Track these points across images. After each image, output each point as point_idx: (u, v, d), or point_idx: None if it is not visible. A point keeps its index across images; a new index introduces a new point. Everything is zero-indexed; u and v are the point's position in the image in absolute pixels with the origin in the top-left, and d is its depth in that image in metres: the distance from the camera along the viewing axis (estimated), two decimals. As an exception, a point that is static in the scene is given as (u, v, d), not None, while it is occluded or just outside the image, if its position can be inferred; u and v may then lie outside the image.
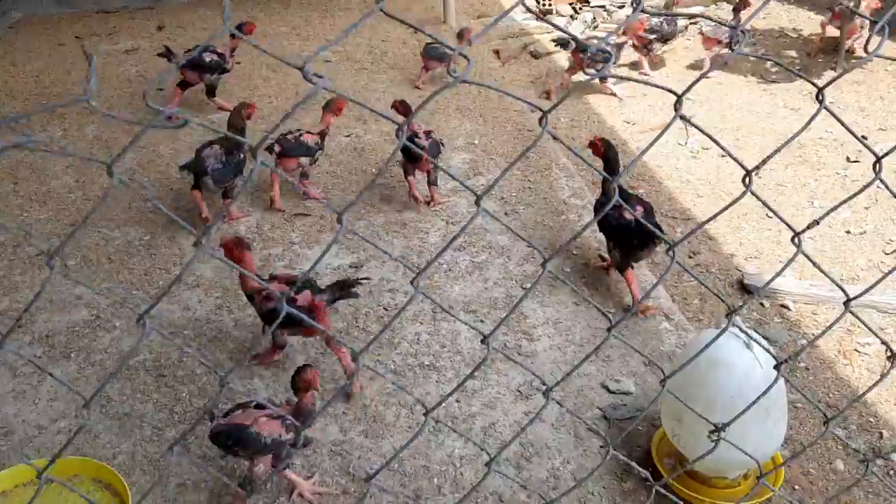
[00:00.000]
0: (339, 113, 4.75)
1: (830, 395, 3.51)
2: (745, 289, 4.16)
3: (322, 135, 4.68)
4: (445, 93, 6.35)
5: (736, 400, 2.53)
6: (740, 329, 2.59)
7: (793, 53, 7.38)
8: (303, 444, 2.98)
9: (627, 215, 3.68)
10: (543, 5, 8.78)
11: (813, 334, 3.87)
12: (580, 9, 8.87)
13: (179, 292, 4.03)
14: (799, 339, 3.84)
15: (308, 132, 4.66)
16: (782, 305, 4.05)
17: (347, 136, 5.65)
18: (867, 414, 3.39)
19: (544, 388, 1.55)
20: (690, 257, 4.48)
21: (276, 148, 4.53)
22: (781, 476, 2.90)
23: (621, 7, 8.74)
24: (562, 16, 8.71)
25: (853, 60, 6.96)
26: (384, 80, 6.71)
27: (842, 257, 4.41)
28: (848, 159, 5.34)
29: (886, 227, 4.62)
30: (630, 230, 3.70)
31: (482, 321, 3.75)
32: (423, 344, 3.62)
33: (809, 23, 8.20)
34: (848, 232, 4.60)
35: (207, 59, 5.80)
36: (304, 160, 4.63)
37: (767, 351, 2.03)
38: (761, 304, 4.07)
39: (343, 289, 3.29)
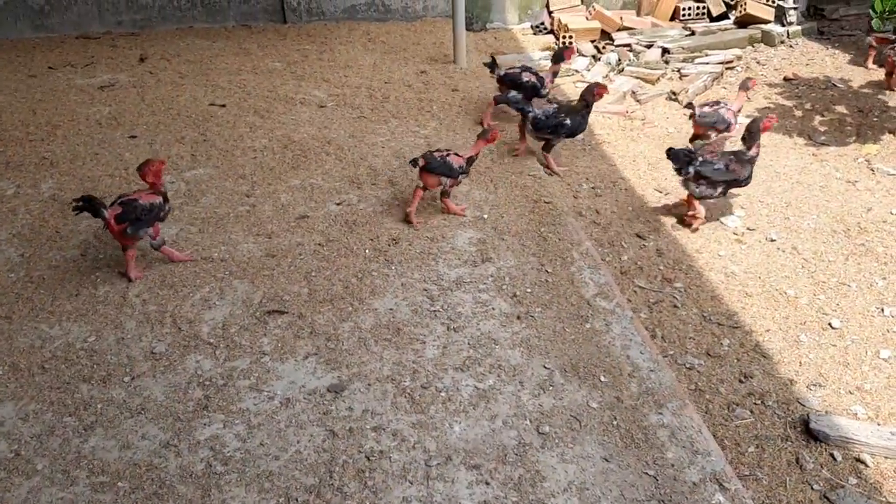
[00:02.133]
0: (492, 141, 4.80)
1: None
2: (810, 433, 3.38)
3: (470, 160, 4.74)
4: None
5: None
6: None
7: (843, 109, 6.61)
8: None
9: None
10: (564, 43, 8.03)
11: (900, 504, 3.09)
12: (604, 48, 8.12)
13: (120, 421, 3.29)
14: (883, 511, 3.07)
15: (457, 154, 4.68)
16: (858, 459, 3.27)
17: (338, 203, 4.90)
18: None
19: None
20: (741, 381, 3.71)
21: (421, 162, 4.55)
22: None
23: (649, 47, 7.98)
24: (584, 55, 7.96)
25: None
26: (384, 131, 5.97)
27: (926, 388, 3.63)
28: (920, 251, 4.57)
29: (976, 347, 3.84)
30: None
31: (487, 482, 2.98)
32: (413, 517, 2.85)
33: (858, 71, 7.44)
34: (929, 353, 3.82)
35: (525, 79, 5.99)
36: (446, 180, 4.64)
37: None
38: (832, 455, 3.30)
39: None
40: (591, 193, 5.38)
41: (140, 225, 4.07)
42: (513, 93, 5.95)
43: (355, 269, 4.22)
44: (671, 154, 4.73)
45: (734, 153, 4.75)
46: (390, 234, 4.55)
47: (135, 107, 6.42)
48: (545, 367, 3.55)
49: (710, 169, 4.66)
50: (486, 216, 4.79)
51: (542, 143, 5.47)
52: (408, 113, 6.28)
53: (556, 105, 5.40)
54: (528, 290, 4.10)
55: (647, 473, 3.01)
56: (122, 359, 3.64)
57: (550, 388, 3.43)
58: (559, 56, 6.21)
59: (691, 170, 4.70)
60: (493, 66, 6.13)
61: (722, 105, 5.66)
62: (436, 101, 6.58)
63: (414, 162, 4.56)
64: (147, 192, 4.14)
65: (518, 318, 3.89)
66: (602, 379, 3.49)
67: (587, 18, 8.71)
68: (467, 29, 8.70)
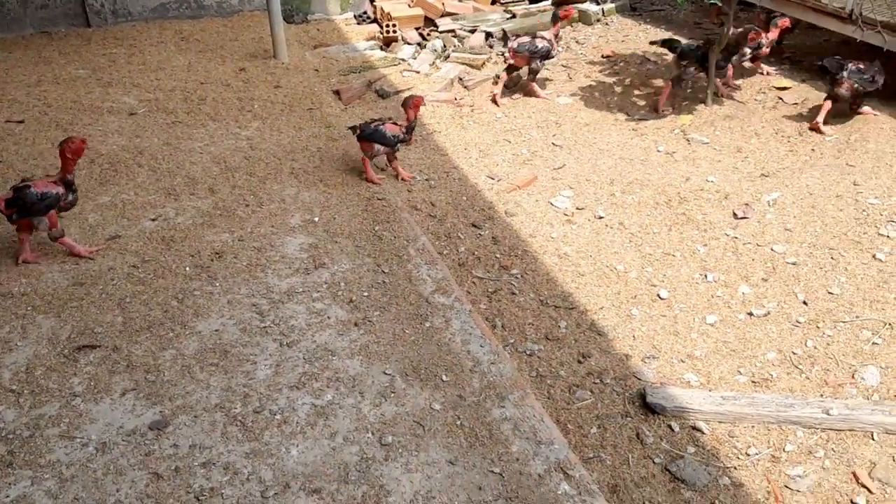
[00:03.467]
0: (417, 108, 5.05)
1: (769, 561, 2.84)
2: (648, 407, 3.44)
3: (409, 129, 5.06)
4: (278, 152, 5.35)
5: None
6: None
7: (659, 83, 6.88)
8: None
9: None
10: (388, 31, 7.90)
11: (734, 467, 3.20)
12: (429, 35, 8.06)
13: None
14: (720, 476, 3.16)
15: (394, 123, 5.03)
16: (694, 428, 3.37)
17: (153, 219, 4.53)
18: (817, 589, 2.74)
19: None
20: (580, 362, 3.74)
21: (357, 130, 4.99)
22: None
23: (472, 32, 8.00)
24: (409, 43, 7.87)
25: (722, 94, 6.52)
26: (202, 135, 5.60)
27: (748, 349, 3.80)
28: (735, 215, 4.79)
29: (790, 303, 4.06)
30: None
31: (330, 506, 2.81)
32: (250, 556, 2.64)
33: (669, 46, 7.77)
34: (750, 314, 4.01)
35: (540, 45, 6.40)
36: (380, 147, 5.00)
37: None
38: (670, 427, 3.37)
39: None
40: (426, 186, 5.29)
41: (28, 213, 3.95)
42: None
43: (175, 291, 3.90)
44: (823, 64, 5.76)
45: None
46: (213, 247, 4.26)
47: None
48: (385, 374, 3.41)
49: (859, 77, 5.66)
50: (317, 219, 4.58)
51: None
52: (227, 114, 5.94)
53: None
54: (365, 294, 3.94)
55: (492, 472, 2.95)
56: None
57: (392, 394, 3.30)
58: (555, 16, 6.70)
59: (845, 73, 5.63)
60: (506, 38, 6.98)
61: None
62: (257, 100, 6.27)
63: (353, 129, 5.08)
64: (49, 180, 4.01)
65: (355, 324, 3.73)
66: (444, 378, 3.40)
67: (409, 6, 8.61)
68: (288, 21, 8.38)
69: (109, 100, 6.23)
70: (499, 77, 6.71)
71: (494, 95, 6.56)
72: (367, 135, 4.98)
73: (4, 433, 3.10)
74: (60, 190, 4.02)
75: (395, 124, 5.06)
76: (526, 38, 6.43)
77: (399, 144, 5.09)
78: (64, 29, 8.13)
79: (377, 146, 5.02)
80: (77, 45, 7.64)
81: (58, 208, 4.05)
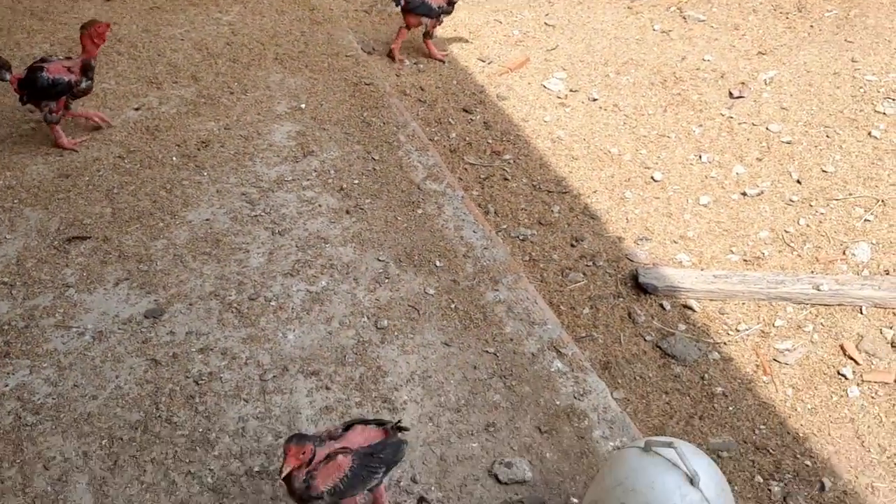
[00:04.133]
0: None
1: (756, 430, 2.93)
2: (640, 287, 3.47)
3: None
4: (261, 37, 5.17)
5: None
6: (681, 458, 1.86)
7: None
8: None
9: None
10: None
11: (724, 342, 3.26)
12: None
13: None
14: (710, 351, 3.22)
15: None
16: (685, 306, 3.41)
17: (137, 108, 4.41)
18: (801, 454, 2.84)
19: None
20: (573, 246, 3.75)
21: (402, 2, 4.83)
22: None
23: None
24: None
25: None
26: (182, 21, 5.37)
27: (741, 229, 3.80)
28: (731, 94, 4.70)
29: (784, 182, 4.04)
30: None
31: (327, 387, 2.86)
32: (251, 436, 2.70)
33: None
34: (744, 194, 4.00)
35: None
36: (427, 20, 4.93)
37: None
38: (661, 306, 3.42)
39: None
40: (414, 70, 5.15)
41: (37, 96, 3.89)
42: None
43: (163, 181, 3.84)
44: None
45: None
46: (199, 136, 4.17)
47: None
48: (379, 260, 3.42)
49: None
50: (303, 105, 4.47)
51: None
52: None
53: None
54: (356, 182, 3.90)
55: (487, 352, 3.00)
56: None
57: (386, 280, 3.32)
58: None
59: None
60: None
61: None
62: (237, -17, 6.00)
63: (396, 1, 4.89)
64: (67, 64, 3.89)
65: (347, 212, 3.70)
66: (437, 264, 3.41)
67: None
68: None
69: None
70: None
71: None
72: (413, 7, 4.87)
73: (0, 324, 3.11)
74: (73, 77, 3.87)
75: None
76: None
77: (443, 15, 4.98)
78: None
79: (423, 18, 4.93)
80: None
81: (70, 94, 3.93)
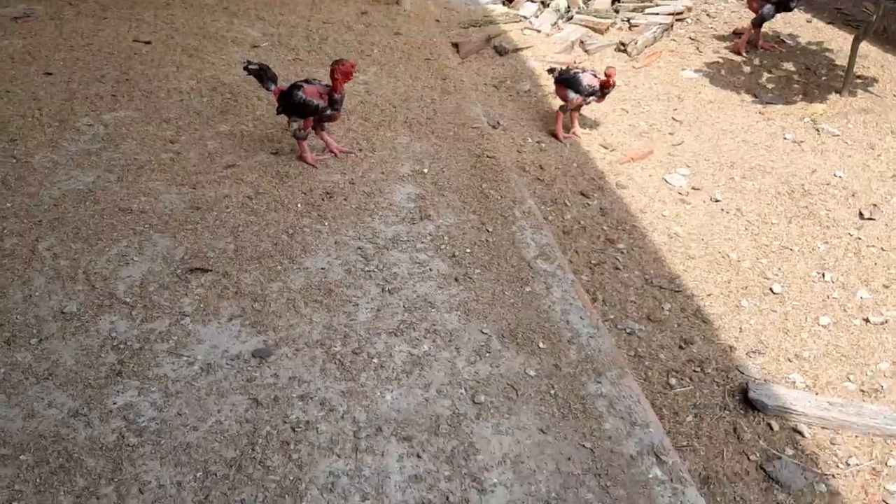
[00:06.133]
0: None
1: (863, 578, 2.73)
2: (749, 402, 3.34)
3: (605, 84, 5.02)
4: (394, 99, 5.35)
5: None
6: None
7: (791, 66, 6.53)
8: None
9: None
10: (513, -13, 7.75)
11: (833, 475, 3.08)
12: (553, -7, 7.86)
13: (25, 387, 3.04)
14: (817, 482, 3.04)
15: (594, 74, 5.07)
16: (795, 430, 3.25)
17: (274, 153, 4.61)
18: None
19: None
20: (682, 348, 3.65)
21: (556, 73, 5.13)
22: None
23: (598, -6, 7.76)
24: (532, 1, 7.70)
25: (857, 80, 6.15)
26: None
27: (861, 356, 3.62)
28: (861, 215, 4.54)
29: (912, 314, 3.84)
30: None
31: (419, 455, 2.84)
32: (339, 493, 2.70)
33: (807, 27, 7.37)
34: (867, 320, 3.81)
35: None
36: (574, 96, 5.06)
37: None
38: (769, 425, 3.26)
39: None
40: (536, 148, 5.21)
41: (289, 111, 4.36)
42: (767, 7, 6.47)
43: (286, 225, 3.98)
44: None
45: None
46: (324, 186, 4.31)
47: (52, 41, 5.95)
48: (483, 333, 3.41)
49: None
50: (426, 170, 4.58)
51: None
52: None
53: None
54: (468, 251, 3.93)
55: (583, 446, 2.92)
56: (30, 319, 3.36)
57: (487, 354, 3.30)
58: None
59: None
60: None
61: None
62: (377, 45, 6.27)
63: (550, 70, 5.20)
64: (321, 89, 4.30)
65: (456, 279, 3.73)
66: (540, 345, 3.37)
67: (537, -38, 8.40)
68: (413, -31, 8.30)
69: (234, 30, 6.34)
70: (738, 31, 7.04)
71: (738, 45, 6.76)
72: (563, 79, 5.07)
73: (116, 343, 3.25)
74: (323, 103, 4.28)
75: (595, 76, 5.08)
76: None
77: (591, 98, 5.09)
78: (195, -45, 8.28)
79: (570, 93, 5.05)
80: (207, -28, 7.78)
81: (318, 117, 4.34)
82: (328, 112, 4.36)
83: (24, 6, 6.52)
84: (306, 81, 4.34)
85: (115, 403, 2.97)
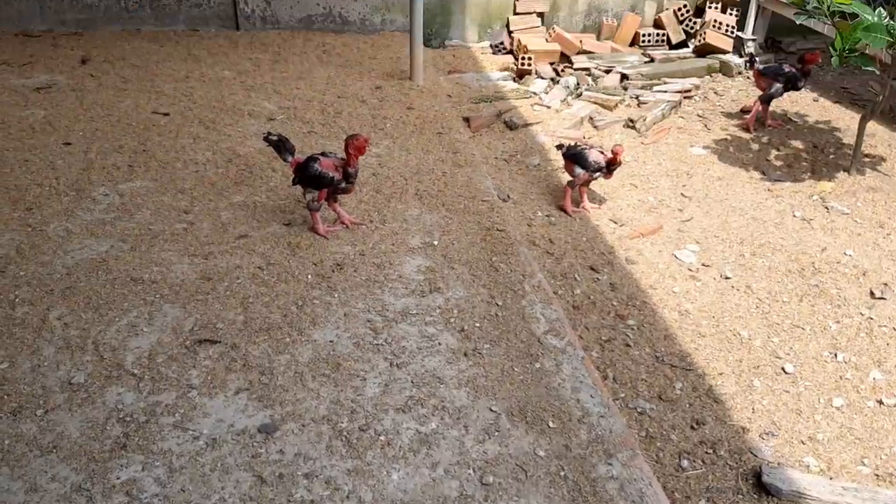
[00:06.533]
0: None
1: None
2: (762, 486, 3.26)
3: (611, 162, 5.14)
4: (405, 172, 5.43)
5: None
6: None
7: (799, 144, 6.61)
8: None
9: None
10: (522, 63, 7.93)
11: (853, 566, 2.98)
12: (563, 71, 8.04)
13: (29, 460, 3.00)
14: (836, 573, 2.95)
15: (601, 151, 5.21)
16: (811, 516, 3.16)
17: (287, 224, 4.65)
18: None
19: None
20: (694, 428, 3.59)
21: (564, 148, 5.27)
22: None
23: (608, 72, 7.92)
24: (542, 77, 7.87)
25: (865, 159, 6.20)
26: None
27: (875, 439, 3.55)
28: (872, 294, 4.52)
29: (928, 397, 3.78)
30: None
31: (425, 539, 2.78)
32: (342, 577, 2.63)
33: (814, 106, 7.48)
34: (880, 402, 3.76)
35: (786, 69, 6.63)
36: (580, 171, 5.16)
37: None
38: (784, 511, 3.18)
39: None
40: (546, 222, 5.24)
41: (305, 183, 4.43)
42: (776, 86, 6.63)
43: (296, 296, 3.99)
44: None
45: None
46: (335, 258, 4.34)
47: (72, 111, 6.10)
48: (492, 410, 3.37)
49: None
50: (436, 243, 4.60)
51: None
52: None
53: None
54: (477, 325, 3.92)
55: (594, 532, 2.85)
56: (37, 389, 3.35)
57: (496, 433, 3.25)
58: (802, 58, 6.74)
59: None
60: (752, 61, 7.09)
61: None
62: (390, 119, 6.39)
63: (559, 147, 5.35)
64: (336, 162, 4.41)
65: (465, 354, 3.70)
66: (550, 424, 3.32)
67: (547, 40, 8.62)
68: (425, 45, 8.51)
69: (251, 103, 6.49)
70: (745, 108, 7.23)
71: (748, 123, 6.89)
72: (571, 154, 5.19)
73: (122, 415, 3.23)
74: (337, 176, 4.39)
75: (602, 153, 5.21)
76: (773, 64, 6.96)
77: (598, 173, 5.20)
78: (214, 29, 8.55)
79: (577, 169, 5.16)
80: (225, 46, 8.01)
81: (332, 189, 4.44)
82: (342, 185, 4.44)
83: (46, 77, 6.71)
84: (322, 154, 4.43)
85: (118, 478, 2.93)
